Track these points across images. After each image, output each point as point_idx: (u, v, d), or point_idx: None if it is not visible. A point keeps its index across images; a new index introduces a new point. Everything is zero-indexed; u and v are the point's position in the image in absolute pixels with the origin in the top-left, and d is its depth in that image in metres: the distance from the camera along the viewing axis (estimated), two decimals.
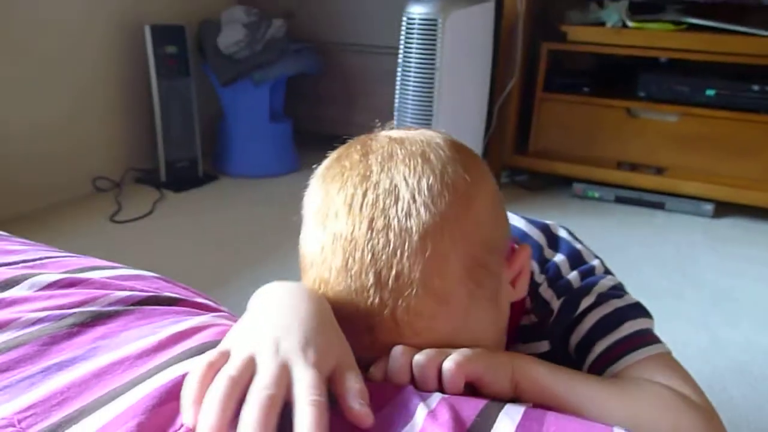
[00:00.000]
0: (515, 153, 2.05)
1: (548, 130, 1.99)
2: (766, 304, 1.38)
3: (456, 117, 1.73)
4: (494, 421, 0.34)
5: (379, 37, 2.11)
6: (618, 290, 0.54)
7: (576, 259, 0.57)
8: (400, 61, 1.68)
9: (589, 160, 1.95)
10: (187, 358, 0.35)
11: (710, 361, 1.17)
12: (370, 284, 0.39)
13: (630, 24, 1.82)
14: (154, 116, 1.95)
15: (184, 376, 0.33)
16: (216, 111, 2.16)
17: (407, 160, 0.42)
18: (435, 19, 1.60)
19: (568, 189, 1.99)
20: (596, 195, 1.96)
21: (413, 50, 1.65)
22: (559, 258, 0.57)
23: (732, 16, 1.76)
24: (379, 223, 0.40)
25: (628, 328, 0.51)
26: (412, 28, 1.63)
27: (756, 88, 1.72)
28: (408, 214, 0.40)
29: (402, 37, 1.66)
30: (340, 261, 0.40)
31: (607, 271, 0.57)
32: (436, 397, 0.35)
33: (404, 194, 0.40)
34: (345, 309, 0.40)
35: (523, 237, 0.60)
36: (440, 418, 0.33)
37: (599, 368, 0.51)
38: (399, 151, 0.43)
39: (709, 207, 1.83)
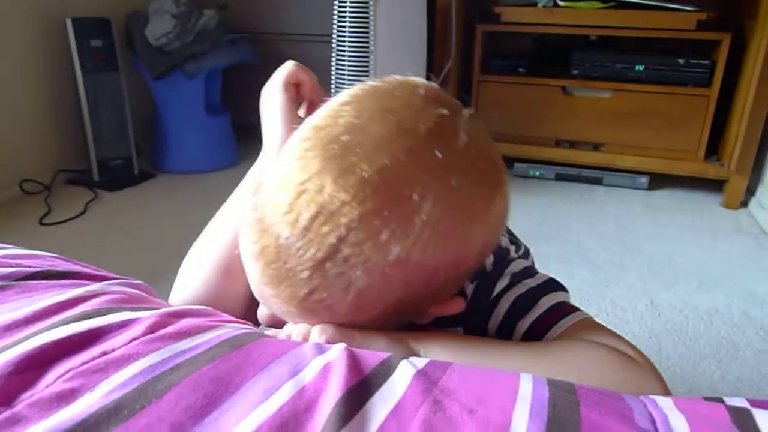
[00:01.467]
0: None
1: (487, 112, 2.00)
2: (699, 267, 1.42)
3: None
4: (395, 369, 0.33)
5: (313, 25, 2.08)
6: (530, 270, 0.52)
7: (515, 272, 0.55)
8: (333, 46, 1.66)
9: (528, 140, 1.97)
10: (62, 325, 0.33)
11: (648, 324, 1.19)
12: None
13: (561, 3, 1.85)
14: (83, 114, 1.87)
15: (52, 342, 0.31)
16: (149, 106, 2.09)
17: None
18: (366, 3, 1.59)
19: (510, 169, 2.01)
20: (537, 174, 1.99)
21: (346, 36, 1.63)
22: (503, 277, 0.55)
23: None
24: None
25: (546, 303, 0.48)
26: (344, 12, 1.61)
27: (682, 62, 1.77)
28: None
29: (335, 23, 1.64)
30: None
31: (524, 256, 0.55)
32: (339, 347, 0.34)
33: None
34: None
35: None
36: (335, 368, 0.32)
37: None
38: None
39: (644, 180, 1.88)
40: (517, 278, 0.51)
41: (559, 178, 1.97)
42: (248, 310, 0.53)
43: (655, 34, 1.79)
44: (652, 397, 0.32)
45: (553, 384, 0.32)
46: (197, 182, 1.93)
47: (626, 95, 1.86)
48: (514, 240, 0.64)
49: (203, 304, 0.47)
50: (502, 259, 0.52)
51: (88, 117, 1.87)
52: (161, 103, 2.01)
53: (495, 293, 0.50)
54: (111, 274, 0.46)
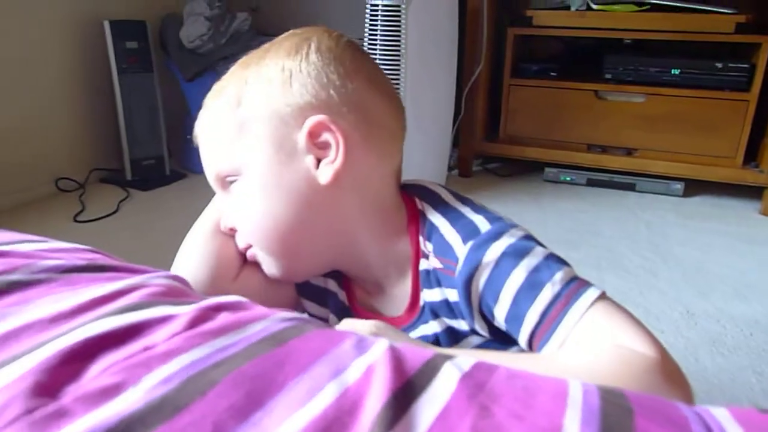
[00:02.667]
0: (486, 140, 2.04)
1: (518, 116, 1.99)
2: (735, 275, 1.38)
3: (424, 105, 1.71)
4: (439, 371, 0.32)
5: (343, 27, 2.08)
6: (529, 240, 0.50)
7: (483, 210, 0.55)
8: (365, 49, 1.66)
9: (559, 145, 1.95)
10: (104, 317, 0.33)
11: (683, 333, 1.16)
12: None
13: (594, 6, 1.82)
14: (117, 114, 1.90)
15: (96, 336, 0.31)
16: (181, 107, 2.12)
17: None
18: (398, 6, 1.59)
19: (540, 174, 1.99)
20: (568, 179, 1.96)
21: (378, 38, 1.63)
22: (463, 207, 0.55)
23: None
24: None
25: (551, 290, 0.47)
26: (376, 16, 1.61)
27: (719, 65, 1.73)
28: None
29: (366, 26, 1.64)
30: None
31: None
32: (381, 346, 0.33)
33: None
34: None
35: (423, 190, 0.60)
36: (379, 369, 0.31)
37: (539, 341, 0.47)
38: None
39: (678, 186, 1.84)
40: (513, 251, 0.49)
41: (591, 183, 1.94)
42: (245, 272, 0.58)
43: (691, 38, 1.75)
44: (706, 407, 0.31)
45: (603, 390, 0.31)
46: None
47: (660, 99, 1.83)
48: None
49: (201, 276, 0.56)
50: (498, 221, 0.52)
51: (123, 117, 1.90)
52: (193, 104, 2.03)
53: (487, 259, 0.49)
54: (149, 268, 0.46)
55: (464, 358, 0.34)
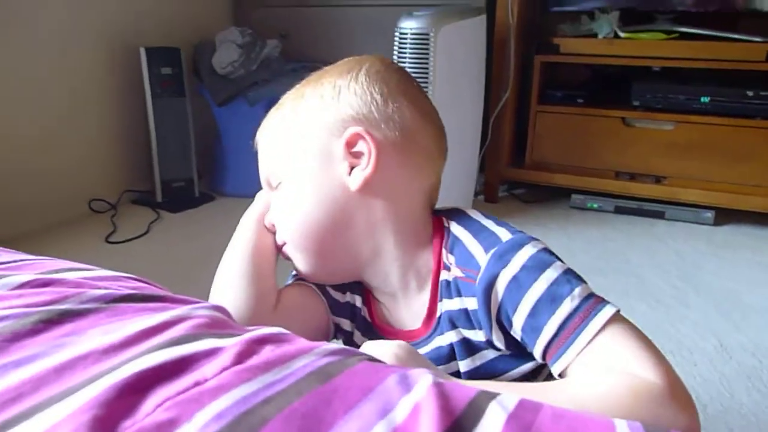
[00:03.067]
0: (512, 166, 2.04)
1: (544, 142, 1.98)
2: None
3: (451, 131, 1.71)
4: (484, 411, 0.32)
5: (371, 54, 2.12)
6: (550, 254, 0.52)
7: (506, 225, 0.57)
8: None
9: (586, 171, 1.94)
10: (154, 351, 0.33)
11: (718, 367, 1.14)
12: None
13: (622, 34, 1.82)
14: (150, 137, 1.95)
15: (148, 369, 0.31)
16: (212, 131, 2.16)
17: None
18: (427, 34, 1.61)
19: (567, 200, 1.98)
20: (595, 206, 1.94)
21: (406, 65, 1.64)
22: (486, 219, 0.58)
23: (723, 24, 1.77)
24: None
25: (570, 304, 0.48)
26: (405, 43, 1.64)
27: (750, 93, 1.71)
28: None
29: (395, 52, 1.66)
30: None
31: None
32: (425, 382, 0.33)
33: None
34: None
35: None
36: (426, 409, 0.31)
37: (554, 353, 0.49)
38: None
39: (709, 214, 1.82)
40: (534, 263, 0.51)
41: (619, 210, 1.92)
42: (277, 311, 0.60)
43: (721, 66, 1.74)
44: None
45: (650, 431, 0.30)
46: None
47: (690, 127, 1.81)
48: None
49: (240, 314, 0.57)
50: (518, 232, 0.54)
51: (155, 140, 1.94)
52: (223, 129, 2.07)
53: (509, 266, 0.51)
54: (192, 299, 0.47)
55: (507, 396, 0.34)
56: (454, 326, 0.56)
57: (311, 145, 0.57)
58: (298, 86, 0.62)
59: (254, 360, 0.35)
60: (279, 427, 0.28)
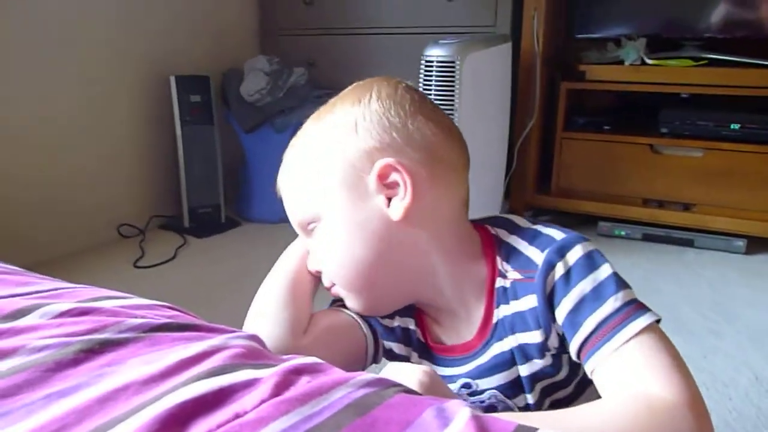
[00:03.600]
0: (537, 193, 2.03)
1: (570, 169, 1.97)
2: None
3: (476, 158, 1.71)
4: None
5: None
6: (600, 256, 0.54)
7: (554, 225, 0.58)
8: None
9: (613, 198, 1.92)
10: (194, 381, 0.33)
11: (754, 401, 1.10)
12: None
13: (649, 61, 1.82)
14: (179, 164, 1.98)
15: (189, 401, 0.31)
16: (239, 158, 2.20)
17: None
18: (453, 61, 1.62)
19: (594, 228, 1.95)
20: (623, 233, 1.92)
21: (432, 92, 1.66)
22: (536, 225, 0.58)
23: (751, 50, 1.75)
24: None
25: (612, 304, 0.50)
26: (431, 70, 1.65)
27: None
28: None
29: (420, 80, 1.68)
30: None
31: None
32: (464, 416, 0.33)
33: None
34: None
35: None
36: None
37: (589, 349, 0.50)
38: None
39: (740, 243, 1.78)
40: (584, 262, 0.53)
41: (647, 238, 1.89)
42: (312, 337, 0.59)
43: (750, 93, 1.72)
44: None
45: None
46: (280, 231, 1.97)
47: (720, 154, 1.79)
48: None
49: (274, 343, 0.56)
50: (569, 232, 0.56)
51: (183, 166, 1.98)
52: (250, 155, 2.10)
53: (562, 263, 0.52)
54: (227, 327, 0.47)
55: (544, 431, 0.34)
56: (512, 331, 0.56)
57: (340, 183, 0.56)
58: (308, 123, 0.61)
59: (292, 392, 0.35)
60: None
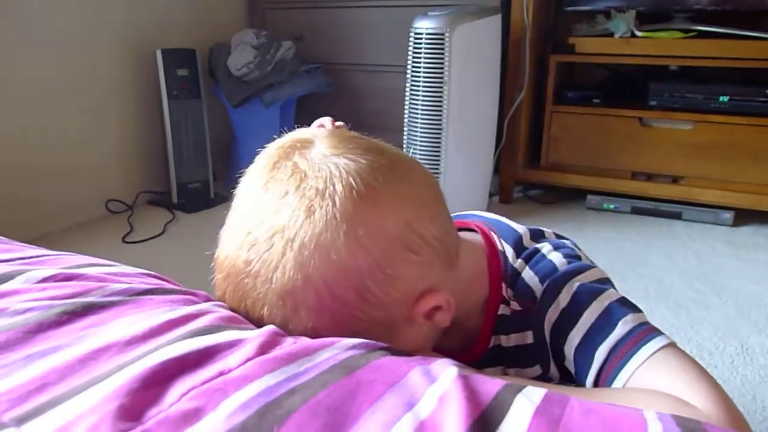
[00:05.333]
0: (527, 167, 2.03)
1: (560, 143, 1.97)
2: None
3: (466, 132, 1.72)
4: (511, 404, 0.31)
5: (386, 56, 2.12)
6: (604, 283, 0.51)
7: (562, 247, 0.54)
8: (408, 77, 1.68)
9: (602, 172, 1.92)
10: (177, 341, 0.33)
11: (740, 370, 1.12)
12: (240, 309, 0.43)
13: (638, 33, 1.81)
14: (166, 139, 1.96)
15: (172, 359, 0.31)
16: (227, 132, 2.17)
17: (294, 207, 0.41)
18: (442, 34, 1.60)
19: (583, 201, 1.96)
20: (612, 207, 1.92)
21: (421, 65, 1.64)
22: (541, 244, 0.55)
23: (741, 22, 1.74)
24: (253, 267, 0.41)
25: (622, 328, 0.46)
26: (420, 44, 1.63)
27: None
28: (275, 267, 0.40)
29: (410, 53, 1.66)
30: (224, 273, 0.44)
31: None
32: (450, 374, 0.33)
33: (277, 246, 0.40)
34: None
35: (494, 223, 0.58)
36: (451, 401, 0.31)
37: (604, 381, 0.46)
38: (293, 192, 0.41)
39: (728, 215, 1.79)
40: (586, 290, 0.50)
41: (636, 211, 1.90)
42: None
43: (740, 64, 1.71)
44: None
45: (684, 426, 0.30)
46: None
47: (708, 127, 1.79)
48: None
49: None
50: (575, 259, 0.53)
51: (171, 141, 1.95)
52: (238, 130, 2.08)
53: (561, 295, 0.49)
54: (211, 296, 0.47)
55: (532, 389, 0.34)
56: (510, 365, 0.54)
57: (365, 327, 0.43)
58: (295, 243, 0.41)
59: (277, 351, 0.34)
60: (304, 418, 0.28)
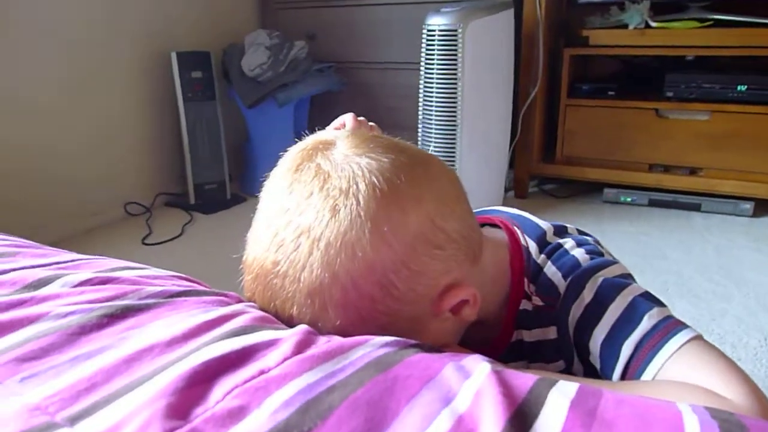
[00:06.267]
0: (542, 161, 2.02)
1: (575, 137, 1.96)
2: None
3: (480, 127, 1.72)
4: (546, 398, 0.32)
5: (399, 53, 2.12)
6: (627, 278, 0.51)
7: (585, 243, 0.54)
8: (422, 73, 1.68)
9: (619, 165, 1.91)
10: (217, 341, 0.34)
11: (764, 363, 1.11)
12: (270, 309, 0.43)
13: (653, 24, 1.79)
14: (182, 140, 1.98)
15: (213, 359, 0.32)
16: (242, 133, 2.19)
17: (319, 208, 0.41)
18: (455, 30, 1.60)
19: (599, 195, 1.95)
20: (629, 199, 1.91)
21: (435, 62, 1.64)
22: (564, 239, 0.55)
23: (757, 10, 1.72)
24: (281, 267, 0.42)
25: (647, 322, 0.46)
26: (433, 40, 1.64)
27: None
28: (303, 267, 0.41)
29: (423, 50, 1.66)
30: (253, 274, 0.45)
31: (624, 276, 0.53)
32: (484, 370, 0.33)
33: (304, 246, 0.41)
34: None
35: (518, 218, 0.58)
36: (487, 396, 0.31)
37: (632, 373, 0.46)
38: (317, 193, 0.42)
39: (747, 206, 1.78)
40: (609, 284, 0.49)
41: (653, 204, 1.89)
42: None
43: (758, 53, 1.70)
44: None
45: (719, 417, 0.30)
46: None
47: (726, 117, 1.77)
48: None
49: None
50: (597, 255, 0.53)
51: (187, 143, 1.97)
52: (253, 131, 2.09)
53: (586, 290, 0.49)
54: (242, 297, 0.48)
55: (565, 383, 0.34)
56: (520, 357, 0.54)
57: (391, 322, 0.43)
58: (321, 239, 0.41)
59: (313, 350, 0.35)
60: (345, 415, 0.29)
